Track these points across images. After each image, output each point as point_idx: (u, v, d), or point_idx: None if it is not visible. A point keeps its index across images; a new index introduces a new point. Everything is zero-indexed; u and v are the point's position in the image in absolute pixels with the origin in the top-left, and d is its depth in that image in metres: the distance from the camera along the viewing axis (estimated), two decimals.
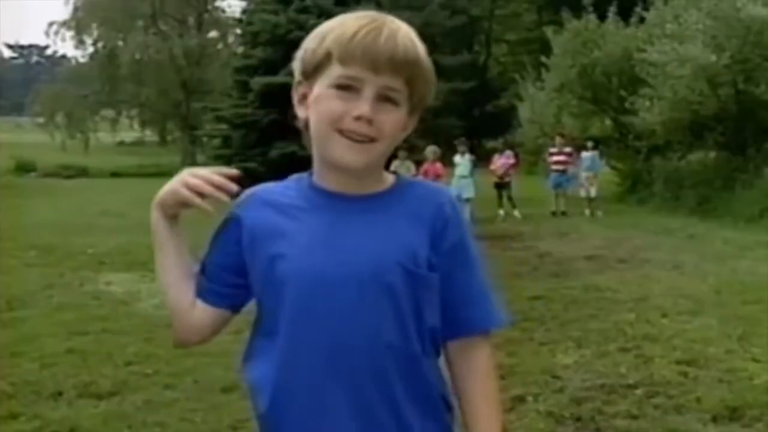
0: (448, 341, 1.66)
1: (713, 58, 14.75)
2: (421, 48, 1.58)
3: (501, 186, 16.79)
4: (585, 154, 17.22)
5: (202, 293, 1.73)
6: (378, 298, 1.54)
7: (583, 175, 16.85)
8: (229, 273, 1.71)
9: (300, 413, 1.56)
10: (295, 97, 1.62)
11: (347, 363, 1.54)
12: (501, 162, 17.07)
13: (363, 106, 1.50)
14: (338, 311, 1.53)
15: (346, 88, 1.51)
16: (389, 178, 1.65)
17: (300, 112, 1.61)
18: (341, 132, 1.52)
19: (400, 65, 1.52)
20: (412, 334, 1.57)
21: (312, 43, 1.57)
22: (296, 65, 1.61)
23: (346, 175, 1.57)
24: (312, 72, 1.56)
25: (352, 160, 1.53)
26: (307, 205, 1.61)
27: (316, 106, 1.54)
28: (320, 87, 1.54)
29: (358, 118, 1.50)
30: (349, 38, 1.50)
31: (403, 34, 1.55)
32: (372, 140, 1.53)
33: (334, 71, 1.52)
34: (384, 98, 1.53)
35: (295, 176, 1.70)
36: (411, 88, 1.56)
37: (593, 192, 16.76)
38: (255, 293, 1.65)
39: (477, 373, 1.67)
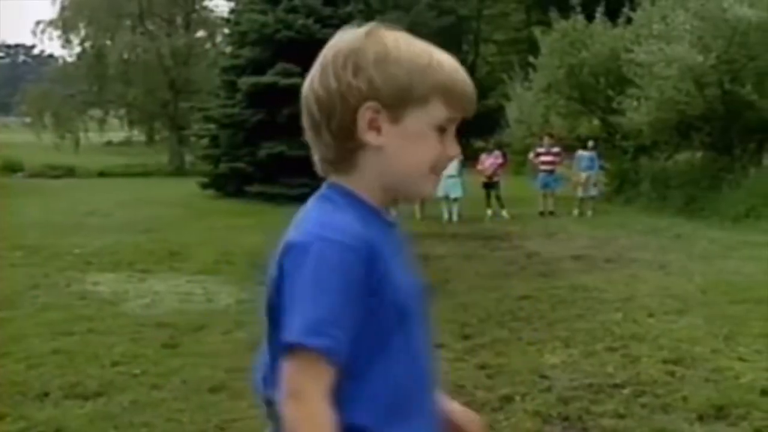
0: None
1: (700, 58, 14.82)
2: None
3: (489, 186, 16.83)
4: (583, 154, 17.21)
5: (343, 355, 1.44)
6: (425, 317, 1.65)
7: (583, 175, 16.84)
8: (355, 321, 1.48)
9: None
10: (364, 122, 1.51)
11: (431, 386, 1.66)
12: (489, 162, 17.10)
13: (455, 146, 1.56)
14: (425, 336, 1.64)
15: (442, 129, 1.53)
16: None
17: (370, 137, 1.51)
18: (435, 172, 1.55)
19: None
20: None
21: (402, 75, 1.51)
22: (369, 86, 1.50)
23: (409, 202, 1.65)
24: (400, 104, 1.51)
25: (433, 193, 1.64)
26: (381, 232, 1.54)
27: (413, 144, 1.52)
28: (418, 124, 1.51)
29: (451, 158, 1.57)
30: (460, 83, 1.54)
31: None
32: None
33: (438, 112, 1.52)
34: None
35: (337, 196, 1.54)
36: None
37: (594, 191, 16.79)
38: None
39: None
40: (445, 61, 1.54)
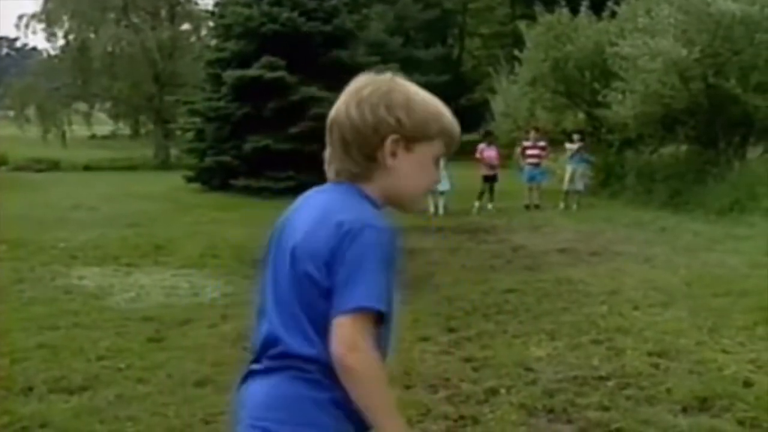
0: None
1: (684, 52, 14.85)
2: None
3: (490, 178, 16.77)
4: (572, 146, 17.23)
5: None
6: None
7: (579, 168, 16.82)
8: None
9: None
10: (387, 150, 1.95)
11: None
12: (493, 154, 17.05)
13: (439, 174, 2.07)
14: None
15: (437, 161, 2.04)
16: None
17: (389, 160, 1.96)
18: (426, 192, 2.10)
19: None
20: None
21: (421, 119, 1.97)
22: (397, 121, 1.95)
23: (404, 211, 2.07)
24: (414, 138, 1.97)
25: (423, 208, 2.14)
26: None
27: (418, 170, 2.00)
28: (425, 156, 2.00)
29: (435, 183, 2.09)
30: (455, 132, 2.04)
31: None
32: None
33: (437, 149, 2.01)
34: None
35: (358, 195, 1.97)
36: None
37: (579, 185, 16.82)
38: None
39: None
40: (447, 112, 2.04)
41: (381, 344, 1.88)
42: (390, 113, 1.94)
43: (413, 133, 1.95)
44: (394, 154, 1.95)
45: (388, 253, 1.86)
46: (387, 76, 2.01)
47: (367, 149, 1.94)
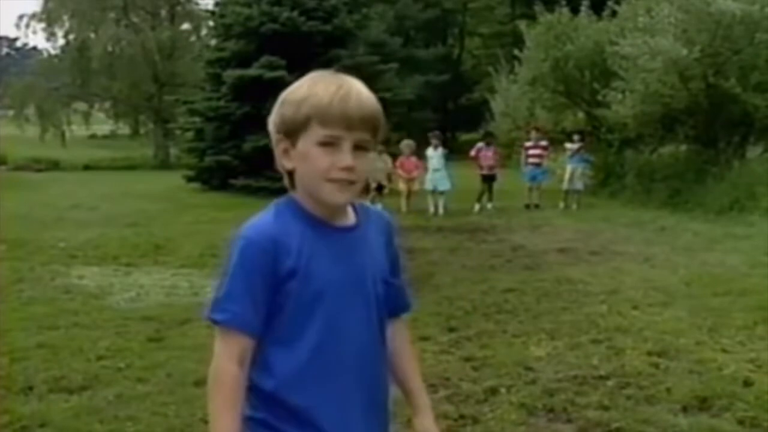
0: None
1: (684, 51, 14.84)
2: (377, 102, 1.94)
3: (489, 178, 16.75)
4: (572, 146, 17.21)
5: (250, 325, 1.88)
6: (373, 303, 1.98)
7: (579, 168, 16.81)
8: (264, 300, 1.90)
9: (336, 410, 1.90)
10: (278, 152, 1.94)
11: (366, 366, 1.96)
12: (489, 155, 17.02)
13: (346, 158, 1.86)
14: (355, 320, 1.93)
15: (328, 144, 1.86)
16: (350, 207, 2.02)
17: (284, 162, 1.94)
18: (330, 180, 1.87)
19: (368, 121, 1.89)
20: (385, 328, 2.04)
21: (289, 110, 1.89)
22: (275, 124, 1.94)
23: (334, 209, 1.94)
24: (293, 132, 1.89)
25: (341, 199, 1.90)
26: (317, 235, 1.92)
27: (305, 162, 1.89)
28: (305, 145, 1.88)
29: (343, 169, 1.87)
30: (327, 105, 1.85)
31: (365, 94, 1.90)
32: (353, 182, 1.89)
33: (316, 132, 1.86)
34: (358, 147, 1.89)
35: (281, 205, 1.96)
36: (376, 136, 1.93)
37: (579, 185, 16.79)
38: (271, 310, 1.90)
39: (405, 340, 2.16)
40: (324, 90, 1.87)
41: (274, 363, 1.88)
42: (273, 118, 1.95)
43: (288, 128, 1.90)
44: (286, 153, 1.92)
45: (253, 263, 1.86)
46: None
47: (278, 159, 1.96)
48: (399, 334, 2.14)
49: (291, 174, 1.95)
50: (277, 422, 1.87)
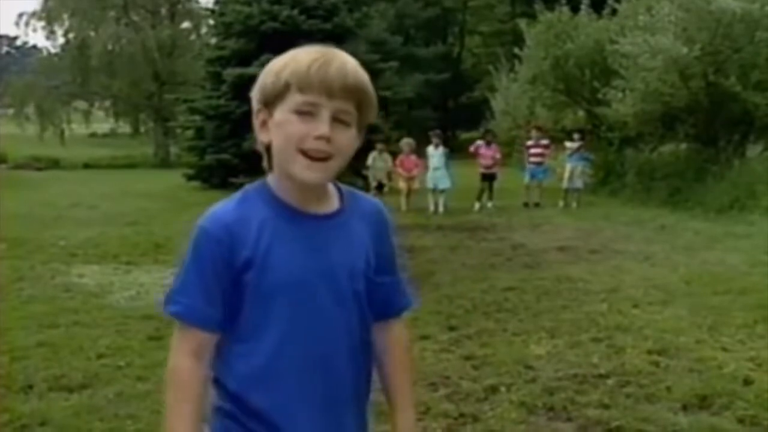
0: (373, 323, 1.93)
1: (684, 50, 14.84)
2: (366, 77, 1.81)
3: (489, 177, 16.74)
4: (572, 145, 17.20)
5: (204, 319, 1.79)
6: (349, 301, 1.83)
7: (579, 167, 16.80)
8: (221, 292, 1.79)
9: (300, 415, 1.79)
10: (257, 124, 1.83)
11: (337, 370, 1.82)
12: (490, 154, 17.01)
13: (322, 126, 1.72)
14: (324, 319, 1.80)
15: (305, 113, 1.73)
16: (335, 192, 1.89)
17: (262, 136, 1.82)
18: (304, 152, 1.74)
19: (351, 91, 1.75)
20: (368, 327, 1.89)
21: (270, 78, 1.78)
22: (255, 96, 1.83)
23: (306, 189, 1.80)
24: (272, 101, 1.77)
25: (313, 176, 1.76)
26: (283, 222, 1.80)
27: (279, 129, 1.76)
28: (281, 113, 1.76)
29: (318, 138, 1.73)
30: (305, 70, 1.73)
31: (351, 64, 1.78)
32: (329, 157, 1.75)
33: (294, 99, 1.74)
34: (338, 120, 1.75)
35: (251, 191, 1.85)
36: (360, 111, 1.79)
37: (579, 183, 16.78)
38: (233, 304, 1.79)
39: (398, 346, 1.99)
40: (305, 56, 1.76)
41: (239, 356, 1.79)
42: (254, 90, 1.85)
43: (268, 97, 1.78)
44: (264, 125, 1.80)
45: (206, 252, 1.76)
46: None
47: (256, 133, 1.85)
48: (392, 339, 1.98)
49: (269, 152, 1.82)
50: (243, 417, 1.78)
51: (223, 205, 1.82)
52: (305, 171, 1.74)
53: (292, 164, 1.74)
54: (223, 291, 1.76)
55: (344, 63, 1.77)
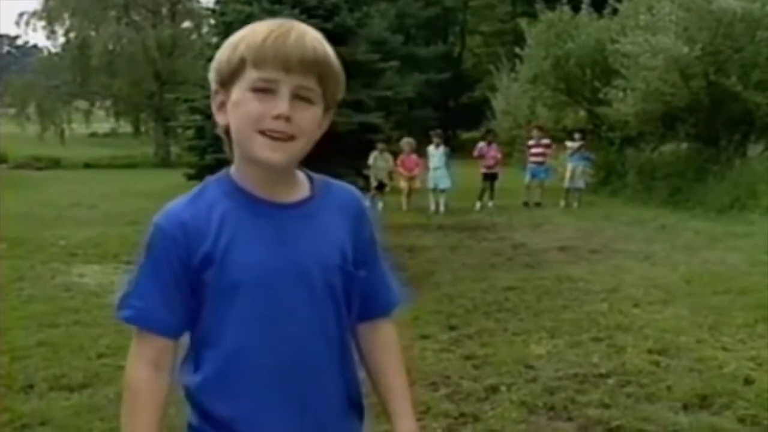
0: (359, 323, 1.81)
1: (685, 49, 14.85)
2: (329, 49, 1.65)
3: (490, 176, 16.74)
4: (573, 144, 17.19)
5: (160, 324, 1.67)
6: (324, 297, 1.67)
7: (579, 166, 16.78)
8: (179, 294, 1.66)
9: (258, 413, 1.65)
10: (214, 106, 1.69)
11: (309, 373, 1.67)
12: (491, 154, 17.01)
13: (281, 104, 1.57)
14: (294, 317, 1.65)
15: (262, 90, 1.58)
16: (305, 180, 1.74)
17: (220, 119, 1.67)
18: (262, 132, 1.59)
19: (311, 64, 1.59)
20: (345, 326, 1.73)
21: (225, 53, 1.64)
22: (212, 76, 1.68)
23: (269, 174, 1.64)
24: (229, 79, 1.62)
25: (275, 157, 1.60)
26: (246, 214, 1.65)
27: (236, 109, 1.61)
28: (238, 92, 1.61)
29: (277, 117, 1.58)
30: (260, 43, 1.58)
31: (311, 36, 1.63)
32: (291, 138, 1.60)
33: (250, 75, 1.59)
34: (299, 97, 1.60)
35: (211, 182, 1.72)
36: (323, 87, 1.63)
37: (580, 183, 16.76)
38: (194, 307, 1.67)
39: (389, 347, 1.84)
40: (262, 28, 1.61)
41: (205, 361, 1.67)
42: (211, 67, 1.70)
43: (224, 75, 1.63)
44: (222, 107, 1.65)
45: (158, 251, 1.64)
46: None
47: (215, 117, 1.71)
48: (381, 340, 1.84)
49: (229, 136, 1.67)
50: (210, 431, 1.68)
51: (177, 201, 1.70)
52: (266, 151, 1.59)
53: (252, 146, 1.60)
54: (182, 293, 1.63)
55: (303, 34, 1.61)
